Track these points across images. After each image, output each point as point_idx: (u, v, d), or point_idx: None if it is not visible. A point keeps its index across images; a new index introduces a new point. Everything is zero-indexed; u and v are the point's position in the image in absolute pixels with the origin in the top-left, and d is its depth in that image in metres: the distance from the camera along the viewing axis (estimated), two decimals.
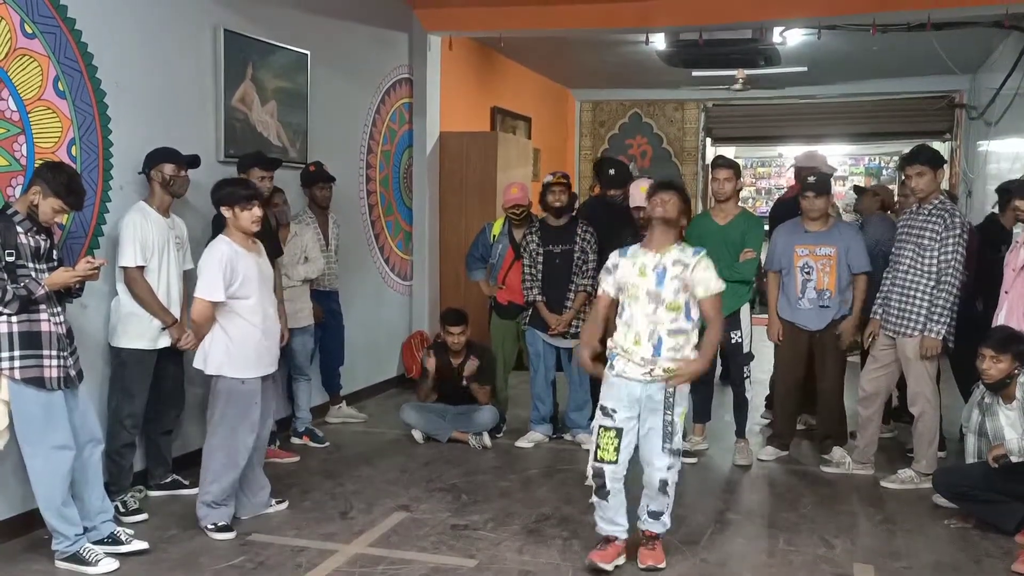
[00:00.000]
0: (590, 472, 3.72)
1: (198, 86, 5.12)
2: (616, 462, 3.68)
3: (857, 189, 7.61)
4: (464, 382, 5.81)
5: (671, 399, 3.67)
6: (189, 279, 4.44)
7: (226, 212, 4.08)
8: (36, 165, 3.94)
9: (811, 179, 5.31)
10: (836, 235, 5.28)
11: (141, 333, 4.36)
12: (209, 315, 4.04)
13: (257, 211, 4.09)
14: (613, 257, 3.84)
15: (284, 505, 4.51)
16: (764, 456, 5.51)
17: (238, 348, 4.07)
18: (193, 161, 4.54)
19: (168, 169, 4.41)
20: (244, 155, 5.14)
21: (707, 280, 3.70)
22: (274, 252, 5.11)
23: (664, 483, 3.71)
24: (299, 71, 6.00)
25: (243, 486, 4.30)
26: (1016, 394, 4.25)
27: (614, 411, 3.69)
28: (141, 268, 4.31)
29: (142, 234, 4.31)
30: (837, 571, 3.84)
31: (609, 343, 3.78)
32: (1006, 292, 4.55)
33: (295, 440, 5.70)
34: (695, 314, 3.73)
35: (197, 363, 4.16)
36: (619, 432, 3.67)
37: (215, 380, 4.13)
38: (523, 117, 10.12)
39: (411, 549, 4.00)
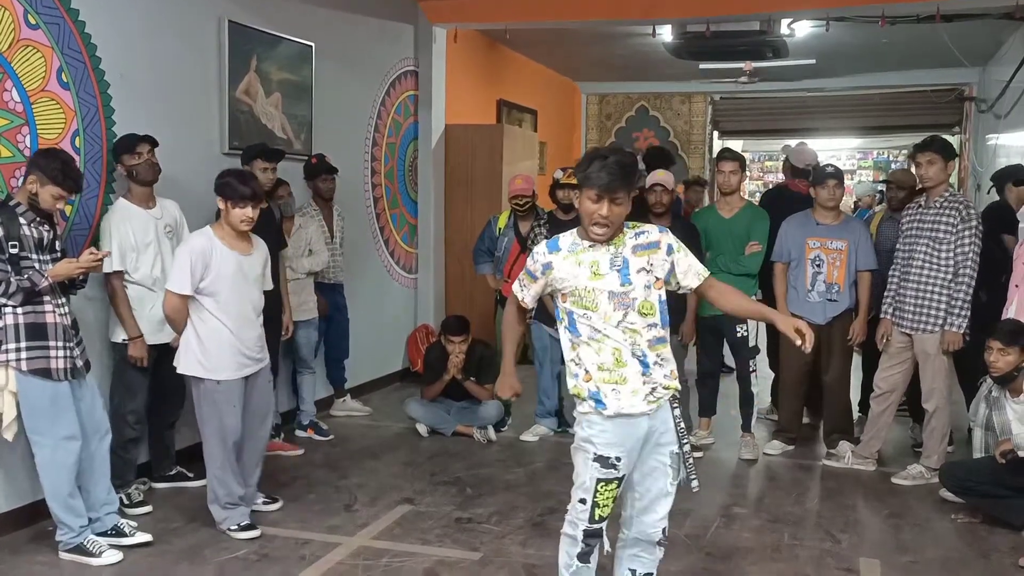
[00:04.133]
0: (580, 535, 2.87)
1: (202, 77, 5.10)
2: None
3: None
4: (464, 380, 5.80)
5: (679, 423, 2.89)
6: None
7: (220, 204, 3.99)
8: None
9: (830, 167, 5.28)
10: (848, 229, 5.25)
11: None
12: (178, 307, 3.93)
13: (249, 212, 3.95)
14: (541, 254, 2.89)
15: (276, 506, 4.40)
16: (770, 450, 5.48)
17: (209, 348, 3.94)
18: (150, 140, 4.34)
19: (127, 159, 4.30)
20: (248, 146, 5.12)
21: (693, 263, 2.96)
22: (278, 245, 5.09)
23: (664, 532, 2.96)
24: (303, 63, 5.98)
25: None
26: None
27: (618, 459, 2.80)
28: (119, 273, 4.23)
29: (119, 236, 4.23)
30: (843, 565, 3.82)
31: (579, 384, 2.85)
32: (1016, 286, 4.52)
33: (300, 433, 5.69)
34: (666, 316, 2.91)
35: (175, 362, 4.06)
36: (620, 481, 2.85)
37: (192, 381, 4.03)
38: (529, 110, 10.09)
39: (415, 542, 4.00)
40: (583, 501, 2.84)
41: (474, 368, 5.80)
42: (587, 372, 2.83)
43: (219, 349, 3.95)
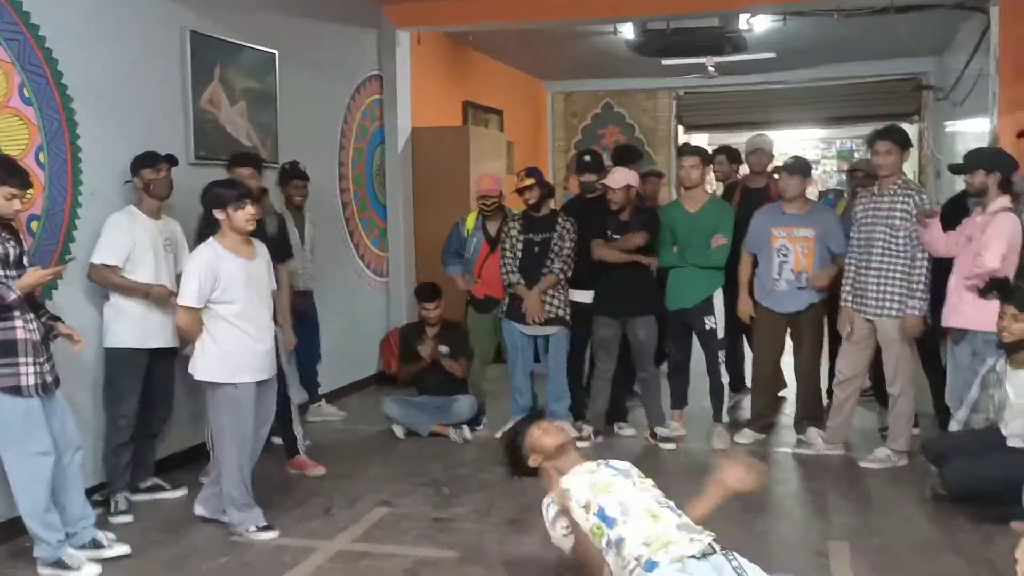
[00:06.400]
0: None
1: (166, 88, 5.11)
2: None
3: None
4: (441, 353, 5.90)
5: (737, 564, 2.81)
6: None
7: (219, 215, 4.05)
8: None
9: (788, 160, 5.38)
10: (814, 217, 5.34)
11: (131, 332, 4.41)
12: (192, 321, 4.03)
13: (251, 209, 4.06)
14: (554, 500, 3.16)
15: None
16: (741, 439, 5.58)
17: (227, 353, 4.03)
18: (170, 159, 4.55)
19: (146, 173, 4.44)
20: (233, 155, 5.17)
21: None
22: (285, 254, 5.12)
23: None
24: (267, 71, 5.98)
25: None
26: None
27: None
28: (112, 267, 4.33)
29: (121, 235, 4.35)
30: (813, 549, 3.92)
31: (626, 563, 2.85)
32: (957, 259, 4.65)
33: (276, 440, 5.69)
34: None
35: (190, 369, 4.14)
36: None
37: (208, 387, 4.11)
38: (495, 110, 10.13)
39: (394, 543, 4.03)
40: None
41: (450, 342, 5.89)
42: (635, 552, 2.86)
43: (238, 353, 4.04)
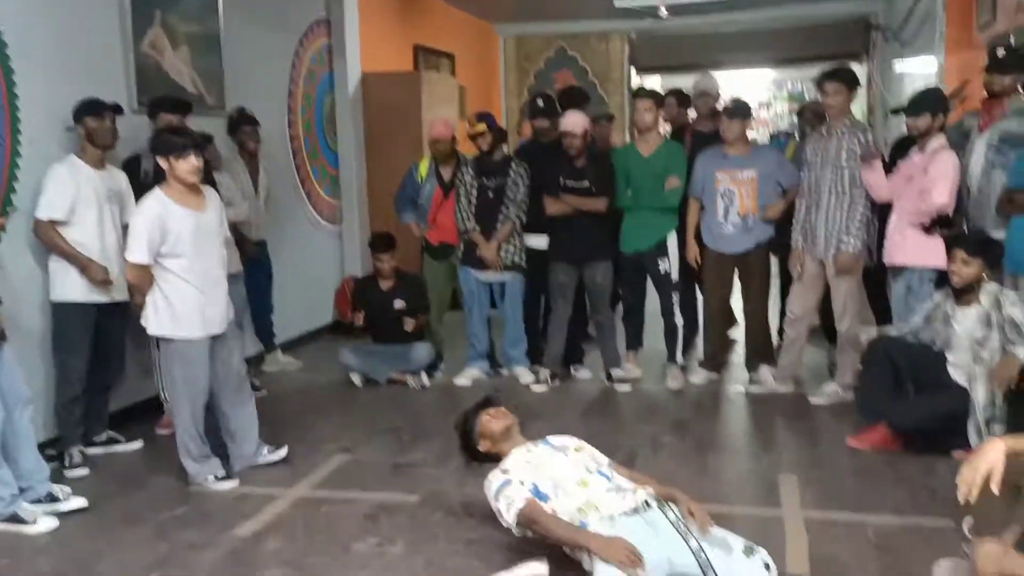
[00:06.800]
0: None
1: (105, 34, 4.95)
2: None
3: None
4: (396, 309, 5.88)
5: (674, 517, 2.96)
6: None
7: (163, 163, 3.97)
8: None
9: (727, 103, 5.40)
10: (756, 158, 5.38)
11: (77, 286, 4.34)
12: (142, 276, 3.97)
13: (194, 160, 3.95)
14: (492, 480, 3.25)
15: (282, 452, 4.39)
16: (695, 379, 5.68)
17: (177, 308, 3.99)
18: (115, 108, 4.43)
19: (89, 122, 4.33)
20: (153, 99, 5.01)
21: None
22: None
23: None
24: (210, 14, 5.82)
25: (228, 437, 4.30)
26: (981, 301, 4.17)
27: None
28: (54, 223, 4.24)
29: (63, 188, 4.24)
30: (763, 482, 4.03)
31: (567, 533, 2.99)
32: (898, 199, 4.74)
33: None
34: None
35: (142, 322, 4.10)
36: None
37: (161, 341, 4.09)
38: (447, 55, 9.98)
39: (354, 489, 4.07)
40: None
41: (406, 295, 5.87)
42: (569, 519, 3.04)
43: (187, 309, 3.99)
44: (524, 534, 3.15)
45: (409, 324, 5.86)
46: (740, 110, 5.34)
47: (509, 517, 3.13)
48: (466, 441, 3.52)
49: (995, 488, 2.30)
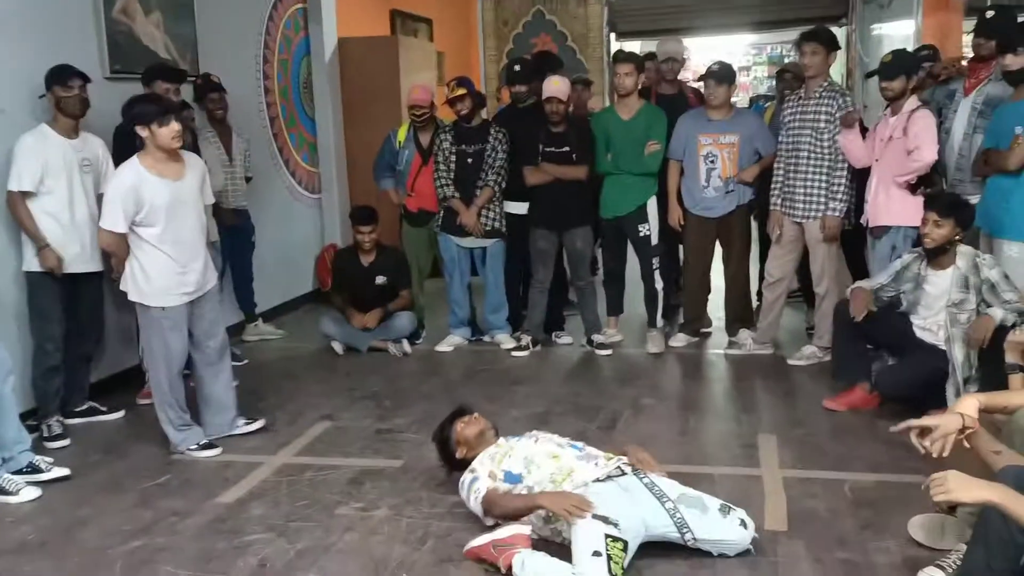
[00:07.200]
0: None
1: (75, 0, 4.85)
2: None
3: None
4: (377, 284, 5.84)
5: (648, 481, 3.07)
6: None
7: (142, 131, 3.91)
8: None
9: (713, 66, 5.39)
10: (738, 122, 5.39)
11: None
12: (115, 242, 3.96)
13: (176, 126, 3.91)
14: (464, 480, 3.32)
15: (258, 424, 4.39)
16: (675, 343, 5.72)
17: (152, 276, 3.98)
18: (82, 76, 4.34)
19: (58, 90, 4.26)
20: (147, 68, 4.96)
21: None
22: None
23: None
24: None
25: (204, 406, 4.29)
26: (957, 263, 4.15)
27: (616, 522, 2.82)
28: (24, 194, 4.19)
29: (31, 159, 4.18)
30: (743, 443, 4.08)
31: (538, 514, 3.07)
32: (876, 161, 4.75)
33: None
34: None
35: (122, 286, 4.09)
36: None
37: (139, 307, 4.07)
38: (424, 19, 9.87)
39: (337, 455, 4.08)
40: None
41: (387, 271, 5.84)
42: (537, 493, 3.13)
43: (162, 277, 3.98)
44: (497, 523, 3.18)
45: (397, 305, 5.84)
46: (727, 75, 5.33)
47: (477, 508, 3.22)
48: (444, 450, 3.56)
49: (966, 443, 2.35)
